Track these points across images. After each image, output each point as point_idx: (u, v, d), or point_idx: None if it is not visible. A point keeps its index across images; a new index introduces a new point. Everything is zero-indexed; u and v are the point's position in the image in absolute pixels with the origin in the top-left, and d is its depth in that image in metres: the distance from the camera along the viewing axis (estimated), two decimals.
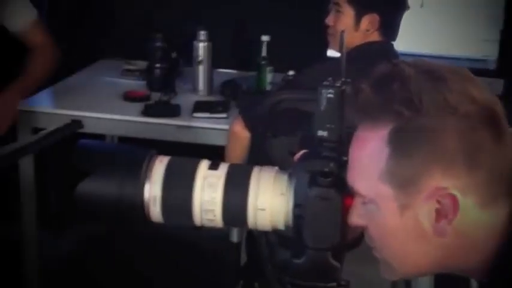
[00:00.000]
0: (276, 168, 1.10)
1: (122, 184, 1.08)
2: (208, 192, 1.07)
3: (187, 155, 1.16)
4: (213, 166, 1.10)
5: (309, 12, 2.92)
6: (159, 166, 1.10)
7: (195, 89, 2.83)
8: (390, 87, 0.97)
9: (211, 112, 2.59)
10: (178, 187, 1.08)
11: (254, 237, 1.90)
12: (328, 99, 1.05)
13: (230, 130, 2.24)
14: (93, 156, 1.11)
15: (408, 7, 2.23)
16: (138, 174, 1.09)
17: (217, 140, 2.47)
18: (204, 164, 1.10)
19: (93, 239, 3.16)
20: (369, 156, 0.99)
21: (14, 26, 2.57)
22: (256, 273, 2.02)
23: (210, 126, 2.53)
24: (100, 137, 2.84)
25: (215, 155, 2.40)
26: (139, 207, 1.09)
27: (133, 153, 1.12)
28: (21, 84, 2.50)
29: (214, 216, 1.08)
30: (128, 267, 3.00)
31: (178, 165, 1.11)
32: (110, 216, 1.11)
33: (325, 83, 1.06)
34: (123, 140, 2.86)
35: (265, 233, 1.14)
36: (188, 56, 2.84)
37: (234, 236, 2.19)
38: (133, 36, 3.08)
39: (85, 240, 3.20)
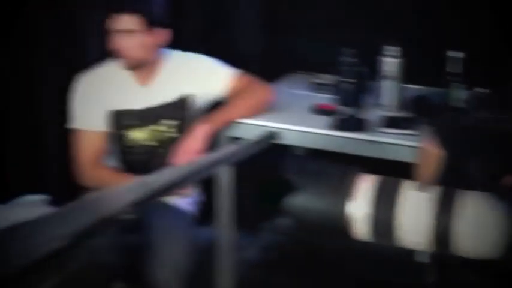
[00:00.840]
0: (482, 193, 1.08)
1: (329, 200, 1.11)
2: (417, 214, 1.07)
3: (373, 170, 1.16)
4: (421, 187, 1.10)
5: (496, 29, 2.84)
6: (366, 184, 1.11)
7: (383, 104, 2.83)
8: None
9: (400, 128, 2.57)
10: (385, 207, 1.09)
11: (444, 259, 1.87)
12: None
13: (422, 148, 2.21)
14: (303, 170, 1.15)
15: None
16: (345, 191, 1.11)
17: (405, 157, 2.44)
18: (410, 185, 1.11)
19: (282, 245, 3.24)
20: None
21: (217, 94, 2.70)
22: None
23: (399, 142, 2.52)
24: (287, 148, 2.91)
25: (402, 171, 2.39)
26: (344, 223, 1.11)
27: (341, 170, 1.15)
28: (217, 115, 2.62)
29: (423, 239, 1.07)
30: (313, 275, 3.04)
31: (384, 184, 1.12)
32: (316, 229, 1.14)
33: None
34: (308, 151, 2.91)
35: (458, 257, 1.12)
36: (377, 71, 2.84)
37: (422, 256, 2.15)
38: (324, 50, 3.12)
39: (274, 246, 3.28)
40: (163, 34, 2.57)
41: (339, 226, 1.12)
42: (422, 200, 1.08)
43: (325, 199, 1.12)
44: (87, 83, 2.62)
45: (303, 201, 1.14)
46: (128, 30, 2.49)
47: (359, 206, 1.11)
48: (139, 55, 2.53)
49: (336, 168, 1.17)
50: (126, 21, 2.49)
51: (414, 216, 1.08)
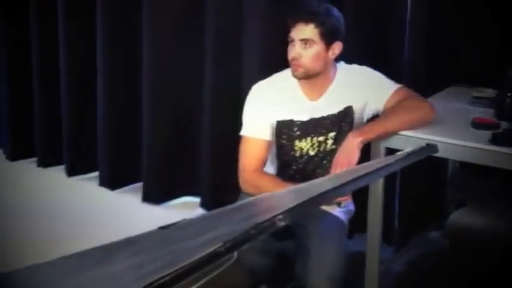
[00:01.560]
0: None
1: (496, 218, 1.07)
2: None
3: None
4: None
5: None
6: None
7: None
8: None
9: None
10: None
11: None
12: None
13: None
14: (470, 186, 1.12)
15: None
16: None
17: None
18: None
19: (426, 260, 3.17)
20: None
21: (378, 108, 2.70)
22: None
23: None
24: (440, 160, 2.84)
25: None
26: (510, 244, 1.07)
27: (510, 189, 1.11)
28: (371, 127, 2.61)
29: None
30: None
31: None
32: (480, 247, 1.11)
33: None
34: (464, 165, 2.82)
35: None
36: None
37: None
38: (486, 63, 3.03)
39: (423, 260, 3.21)
40: (338, 47, 2.62)
41: (505, 247, 1.08)
42: None
43: (492, 219, 1.08)
44: (258, 92, 2.70)
45: (467, 218, 1.11)
46: (306, 40, 2.56)
47: None
48: (313, 65, 2.58)
49: (505, 187, 1.13)
50: (305, 31, 2.55)
51: None
